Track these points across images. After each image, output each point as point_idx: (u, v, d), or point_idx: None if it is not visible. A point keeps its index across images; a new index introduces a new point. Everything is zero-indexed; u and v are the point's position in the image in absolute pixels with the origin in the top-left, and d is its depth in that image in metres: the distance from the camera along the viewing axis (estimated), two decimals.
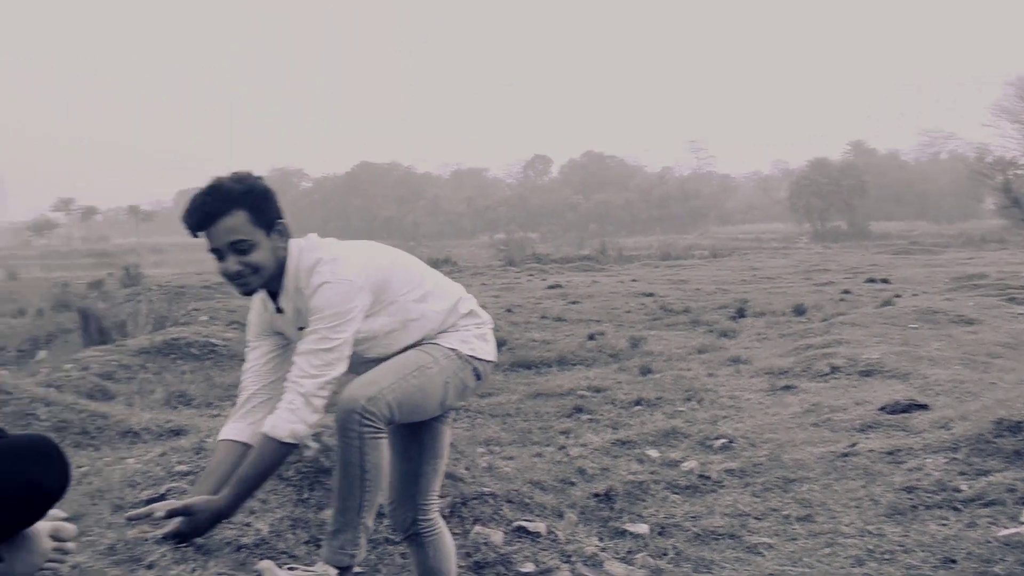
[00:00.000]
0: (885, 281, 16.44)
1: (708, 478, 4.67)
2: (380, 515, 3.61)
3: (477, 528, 3.63)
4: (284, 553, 3.35)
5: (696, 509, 4.25)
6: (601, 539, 3.91)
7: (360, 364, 2.56)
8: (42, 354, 10.14)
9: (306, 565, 2.50)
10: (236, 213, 2.30)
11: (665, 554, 3.80)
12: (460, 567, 3.46)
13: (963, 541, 3.43)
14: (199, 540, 2.21)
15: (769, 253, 35.91)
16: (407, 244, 32.00)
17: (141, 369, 7.85)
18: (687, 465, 4.88)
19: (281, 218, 2.44)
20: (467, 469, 4.07)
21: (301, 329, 2.48)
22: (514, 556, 3.51)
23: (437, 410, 2.61)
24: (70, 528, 1.82)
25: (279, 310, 2.53)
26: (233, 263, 2.34)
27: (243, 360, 7.99)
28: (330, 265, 2.44)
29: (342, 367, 2.40)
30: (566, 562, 3.57)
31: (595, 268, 25.18)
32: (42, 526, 1.76)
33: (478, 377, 2.71)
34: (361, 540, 2.45)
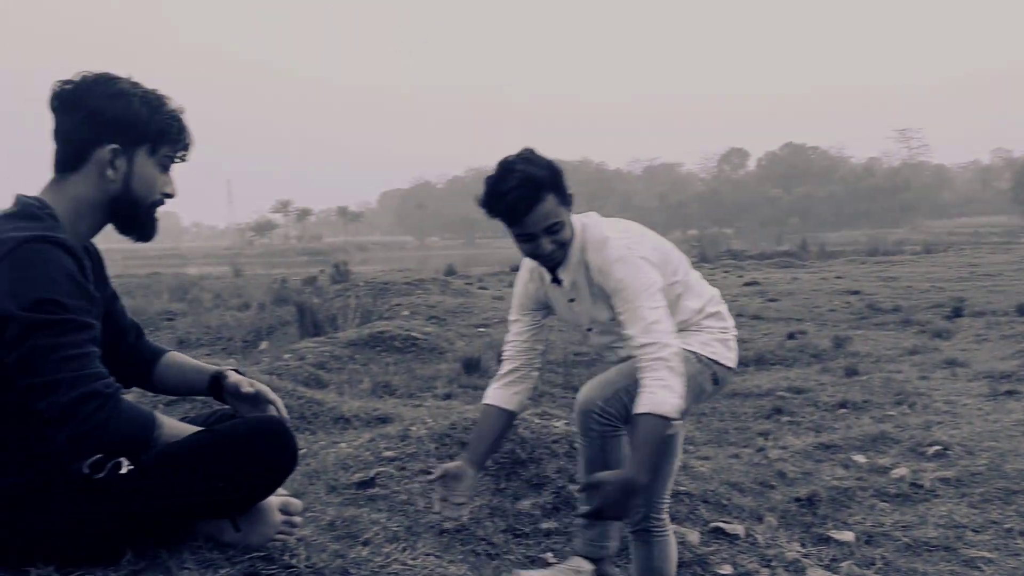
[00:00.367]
0: None
1: (920, 487, 4.39)
2: None
3: (672, 527, 3.59)
4: (483, 540, 3.47)
5: (907, 518, 4.02)
6: (803, 545, 3.77)
7: (606, 350, 2.63)
8: (264, 344, 10.98)
9: (559, 561, 2.58)
10: (548, 198, 2.35)
11: (872, 564, 3.61)
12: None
13: None
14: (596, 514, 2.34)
15: (989, 248, 33.11)
16: None
17: (350, 360, 8.31)
18: (897, 472, 4.61)
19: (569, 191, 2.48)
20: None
21: (571, 302, 2.55)
22: (711, 557, 3.46)
23: None
24: (297, 503, 1.98)
25: (556, 281, 2.55)
26: (547, 244, 2.40)
27: (442, 354, 8.28)
28: (624, 241, 2.46)
29: (671, 321, 2.41)
30: (766, 566, 3.48)
31: (795, 264, 24.17)
32: (273, 500, 1.93)
33: (716, 382, 2.68)
34: (613, 532, 2.54)
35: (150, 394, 3.41)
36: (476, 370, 7.76)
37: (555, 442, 4.00)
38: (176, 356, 2.18)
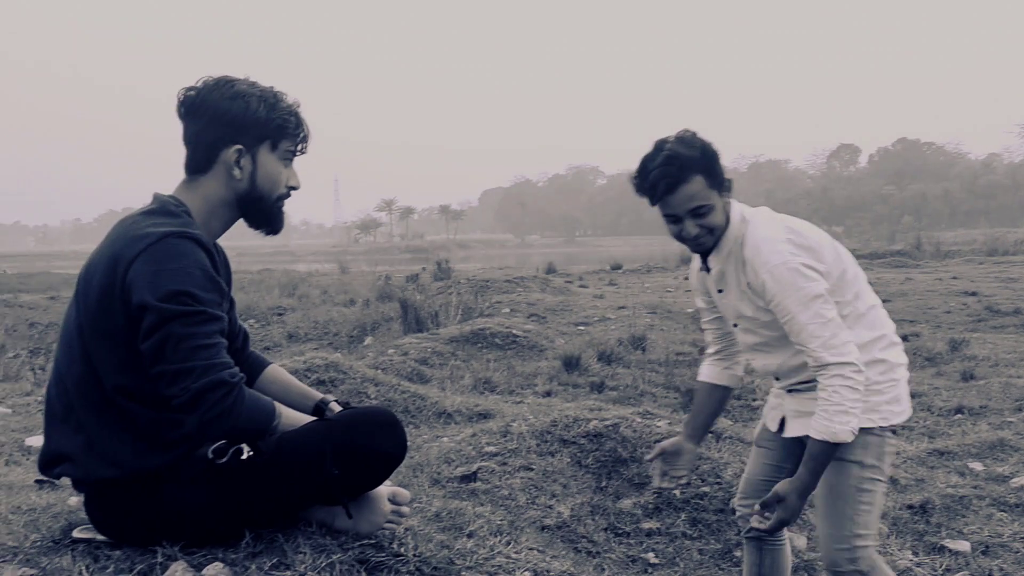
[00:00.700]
0: None
1: None
2: (721, 510, 3.65)
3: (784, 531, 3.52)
4: (584, 538, 3.48)
5: None
6: (915, 553, 3.64)
7: (753, 352, 2.52)
8: (368, 340, 11.25)
9: None
10: (694, 179, 2.26)
11: (989, 575, 3.46)
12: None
13: None
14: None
15: None
16: None
17: (452, 356, 8.42)
18: (1017, 481, 4.39)
19: (725, 175, 2.37)
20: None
21: (720, 292, 2.48)
22: (819, 563, 3.37)
23: None
24: (405, 493, 2.03)
25: (706, 268, 2.50)
26: (691, 227, 2.32)
27: (542, 351, 8.30)
28: (787, 246, 2.29)
29: (846, 331, 2.24)
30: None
31: (909, 264, 23.22)
32: (383, 490, 1.99)
33: (894, 432, 2.49)
34: None
35: None
36: (576, 368, 7.76)
37: (657, 442, 3.96)
38: (279, 372, 2.25)
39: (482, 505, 3.23)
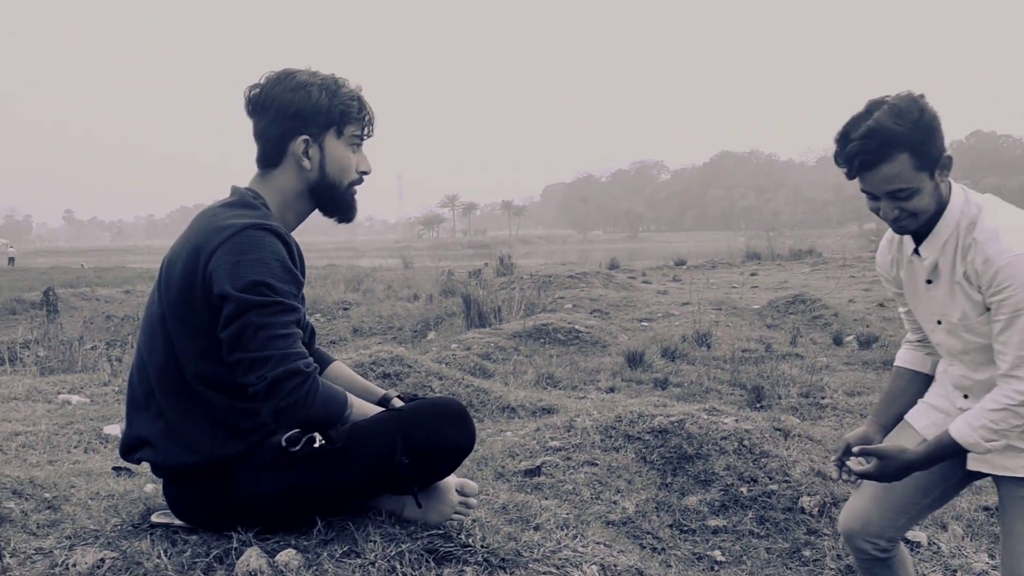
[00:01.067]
0: None
1: None
2: (789, 508, 3.59)
3: None
4: (649, 534, 3.46)
5: None
6: (992, 556, 3.53)
7: (952, 359, 2.27)
8: (431, 334, 11.35)
9: None
10: (897, 159, 2.00)
11: None
12: (829, 569, 3.33)
13: None
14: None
15: None
16: (767, 234, 31.01)
17: (514, 351, 8.44)
18: None
19: (946, 151, 2.08)
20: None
21: (928, 284, 2.22)
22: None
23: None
24: (473, 485, 2.05)
25: (917, 253, 2.20)
26: (889, 209, 2.08)
27: (605, 347, 8.24)
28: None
29: None
30: (951, 575, 3.29)
31: None
32: (451, 481, 2.00)
33: None
34: None
35: None
36: (639, 364, 7.71)
37: (724, 439, 3.93)
38: (343, 368, 2.28)
39: (546, 499, 3.24)
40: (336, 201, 2.08)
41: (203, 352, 1.88)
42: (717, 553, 3.42)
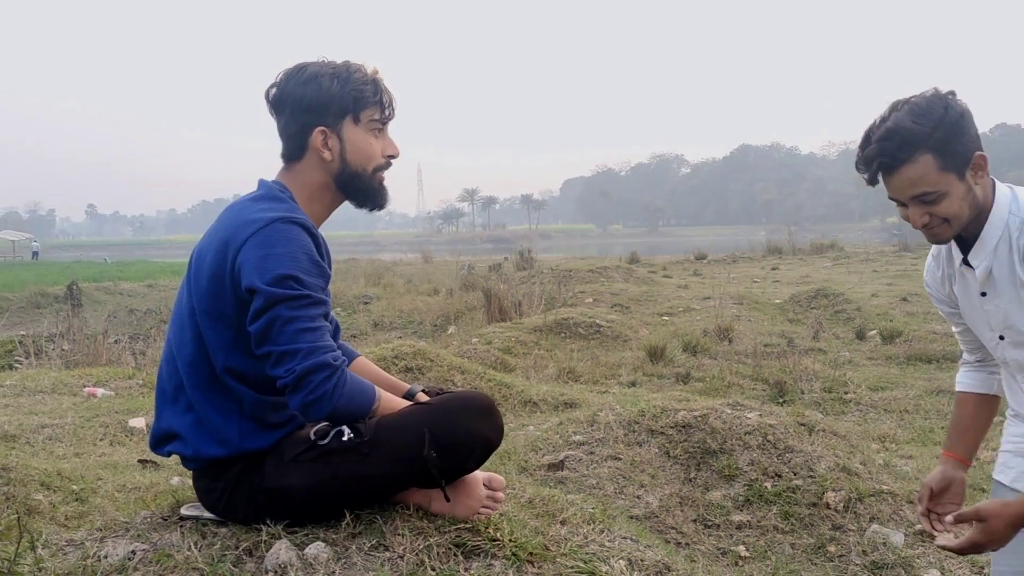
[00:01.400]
0: None
1: None
2: (814, 504, 3.56)
3: (875, 527, 3.43)
4: (672, 528, 3.45)
5: None
6: None
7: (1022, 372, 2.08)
8: (452, 328, 11.38)
9: None
10: (919, 160, 1.87)
11: None
12: (855, 564, 3.31)
13: None
14: None
15: None
16: (788, 228, 30.82)
17: (535, 346, 8.45)
18: None
19: (980, 151, 1.92)
20: (863, 464, 3.87)
21: (983, 296, 2.03)
22: (916, 560, 3.28)
23: None
24: (500, 479, 2.05)
25: (967, 263, 2.03)
26: (917, 215, 1.92)
27: (626, 341, 8.20)
28: None
29: None
30: (977, 574, 3.26)
31: None
32: (479, 475, 2.00)
33: None
34: None
35: None
36: (661, 359, 7.70)
37: (748, 434, 3.91)
38: (367, 364, 2.27)
39: (571, 493, 3.24)
40: (362, 189, 2.06)
41: (232, 345, 1.89)
42: (741, 548, 3.41)
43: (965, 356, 2.28)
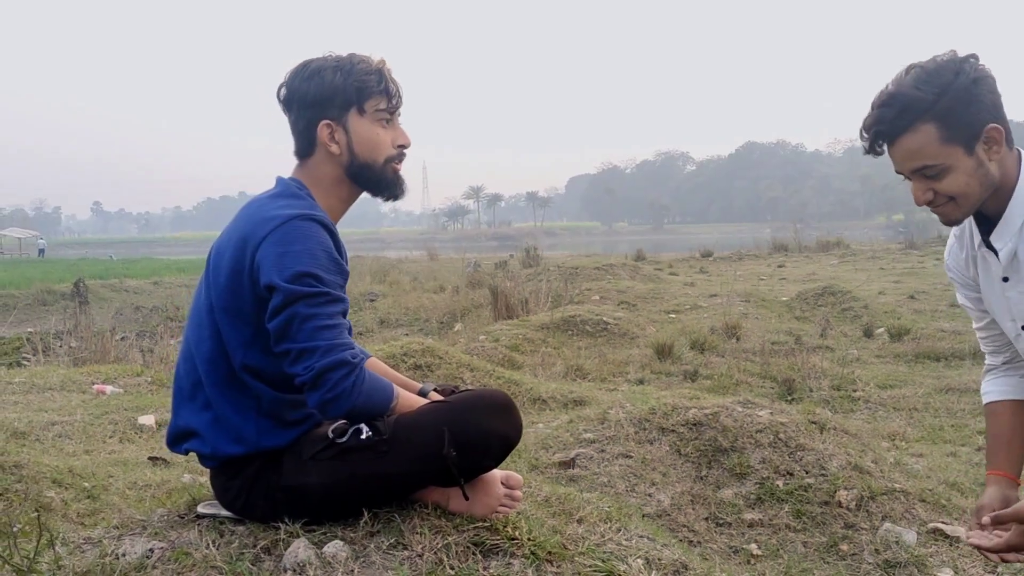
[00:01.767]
0: None
1: None
2: (826, 502, 3.55)
3: (887, 525, 3.42)
4: (684, 527, 3.44)
5: None
6: None
7: None
8: (458, 326, 11.37)
9: None
10: (920, 129, 1.71)
11: None
12: (867, 563, 3.30)
13: None
14: None
15: None
16: (793, 226, 30.78)
17: (543, 343, 8.44)
18: None
19: (996, 123, 1.73)
20: (874, 463, 3.85)
21: (1005, 281, 1.87)
22: (929, 559, 3.26)
23: None
24: (518, 477, 2.04)
25: (988, 246, 1.86)
26: (920, 191, 1.78)
27: (633, 339, 8.17)
28: None
29: None
30: (990, 573, 3.24)
31: None
32: (497, 473, 2.00)
33: None
34: None
35: None
36: (668, 356, 7.69)
37: (759, 432, 3.89)
38: (379, 364, 2.27)
39: (583, 491, 3.23)
40: (375, 180, 2.04)
41: (250, 342, 1.89)
42: (753, 547, 3.40)
43: (989, 360, 2.09)
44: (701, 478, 3.77)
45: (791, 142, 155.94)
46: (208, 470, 2.06)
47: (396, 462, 1.86)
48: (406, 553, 1.84)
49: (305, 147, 2.02)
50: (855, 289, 11.99)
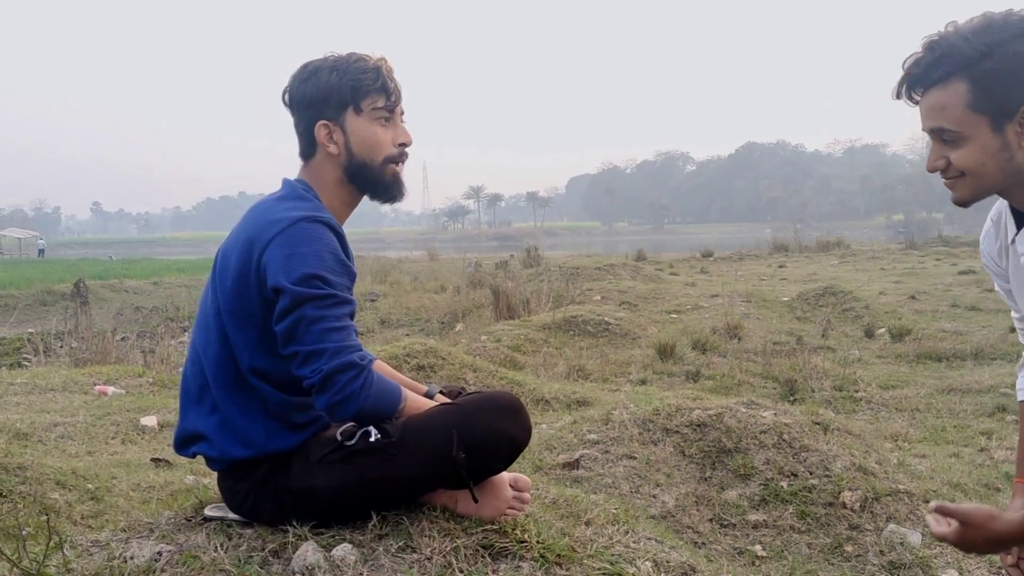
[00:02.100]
0: None
1: None
2: (831, 504, 3.55)
3: (892, 526, 3.42)
4: (689, 528, 3.44)
5: None
6: None
7: None
8: (459, 326, 11.37)
9: None
10: (951, 86, 1.51)
11: None
12: (872, 564, 3.30)
13: None
14: None
15: None
16: (793, 226, 30.79)
17: (544, 343, 8.43)
18: None
19: None
20: (878, 464, 3.85)
21: None
22: (934, 560, 3.26)
23: None
24: (526, 480, 2.03)
25: (1017, 226, 1.69)
26: (934, 155, 1.59)
27: (635, 339, 8.17)
28: None
29: None
30: (996, 574, 3.24)
31: None
32: (505, 475, 1.99)
33: None
34: None
35: None
36: (670, 356, 7.68)
37: (763, 433, 3.89)
38: (384, 366, 2.26)
39: (596, 492, 3.23)
40: (373, 181, 2.02)
41: (257, 345, 1.88)
42: (758, 548, 3.39)
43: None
44: (705, 479, 3.76)
45: (791, 142, 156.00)
46: (213, 472, 2.05)
47: (405, 465, 1.85)
48: (415, 556, 1.83)
49: (307, 148, 2.02)
50: (856, 289, 11.99)
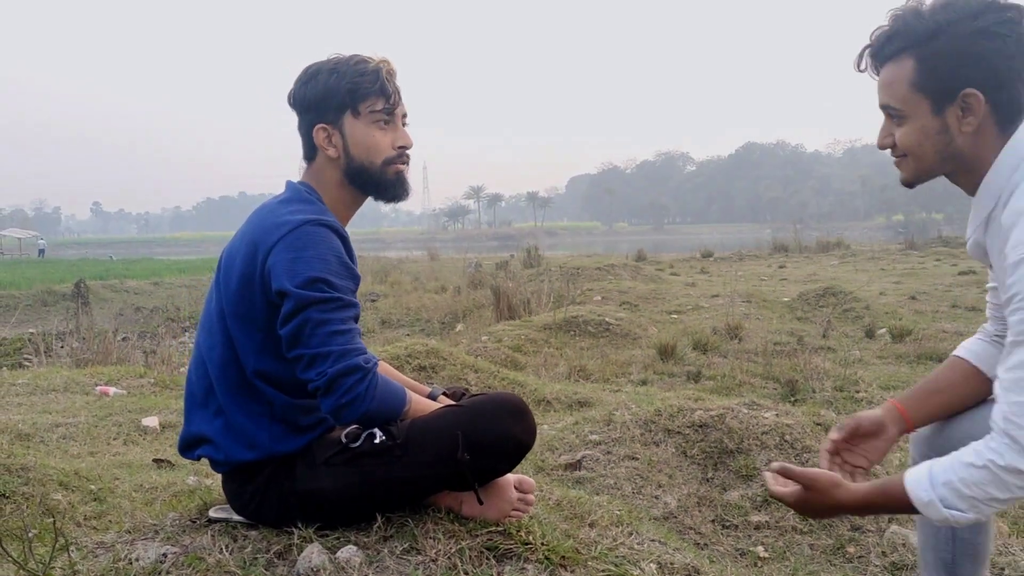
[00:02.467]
0: None
1: None
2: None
3: (894, 527, 3.42)
4: (691, 529, 3.44)
5: None
6: None
7: None
8: (460, 326, 11.37)
9: None
10: (901, 63, 1.51)
11: None
12: (874, 565, 3.30)
13: None
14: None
15: None
16: (793, 226, 30.79)
17: (545, 344, 8.43)
18: None
19: (984, 91, 1.48)
20: (880, 464, 3.85)
21: (991, 268, 1.71)
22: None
23: None
24: (531, 481, 2.04)
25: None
26: (883, 131, 1.60)
27: (635, 339, 8.17)
28: None
29: None
30: (999, 573, 3.25)
31: None
32: (509, 477, 1.99)
33: None
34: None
35: None
36: (671, 357, 7.68)
37: (765, 434, 3.90)
38: (387, 367, 2.26)
39: (590, 494, 3.23)
40: (374, 183, 2.02)
41: (262, 348, 1.88)
42: (760, 549, 3.40)
43: (985, 325, 1.91)
44: (707, 480, 3.77)
45: (791, 142, 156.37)
46: (215, 473, 2.05)
47: (410, 467, 1.85)
48: (420, 558, 1.83)
49: (308, 151, 2.03)
50: (856, 290, 11.99)
